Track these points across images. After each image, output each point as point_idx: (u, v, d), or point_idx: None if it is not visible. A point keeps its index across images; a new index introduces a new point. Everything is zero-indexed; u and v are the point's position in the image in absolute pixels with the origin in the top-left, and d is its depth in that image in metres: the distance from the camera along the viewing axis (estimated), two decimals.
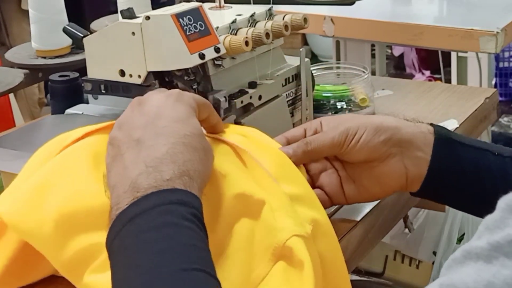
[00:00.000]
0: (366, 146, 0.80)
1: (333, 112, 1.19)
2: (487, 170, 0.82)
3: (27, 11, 1.36)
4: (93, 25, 1.46)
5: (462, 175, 0.82)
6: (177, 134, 0.68)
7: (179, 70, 0.86)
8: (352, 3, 1.42)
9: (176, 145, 0.67)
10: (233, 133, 0.80)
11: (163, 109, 0.70)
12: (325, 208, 0.78)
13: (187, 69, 0.87)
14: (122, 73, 0.89)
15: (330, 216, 0.85)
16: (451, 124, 1.19)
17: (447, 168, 0.82)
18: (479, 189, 0.82)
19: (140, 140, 0.68)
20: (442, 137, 0.82)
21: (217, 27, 0.91)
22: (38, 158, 0.81)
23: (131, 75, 0.89)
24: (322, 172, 0.84)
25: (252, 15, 0.98)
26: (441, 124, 1.20)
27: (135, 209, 0.62)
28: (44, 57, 1.33)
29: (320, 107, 1.19)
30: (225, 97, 0.88)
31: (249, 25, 0.97)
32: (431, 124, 0.84)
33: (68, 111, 1.04)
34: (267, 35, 0.91)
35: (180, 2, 1.01)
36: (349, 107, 1.20)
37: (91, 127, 0.82)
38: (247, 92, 0.95)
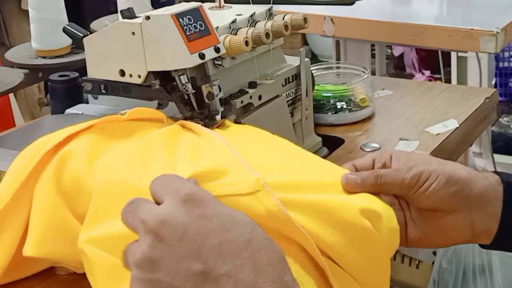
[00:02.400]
0: (435, 195, 0.77)
1: (333, 112, 1.19)
2: None
3: (27, 11, 1.36)
4: (93, 25, 1.46)
5: None
6: (242, 243, 0.59)
7: (179, 70, 0.86)
8: (352, 3, 1.42)
9: (254, 258, 0.59)
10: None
11: (196, 224, 0.60)
12: None
13: (187, 69, 0.87)
14: (122, 73, 0.89)
15: None
16: (451, 124, 1.19)
17: None
18: None
19: (206, 272, 0.58)
20: (510, 186, 0.79)
21: (217, 27, 0.91)
22: (20, 164, 0.81)
23: (131, 75, 0.88)
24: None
25: (252, 15, 0.98)
26: (441, 124, 1.21)
27: None
28: (44, 57, 1.33)
29: (320, 107, 1.20)
30: (218, 86, 0.87)
31: (249, 25, 0.97)
32: (496, 172, 0.81)
33: (68, 111, 1.04)
34: (267, 35, 0.91)
35: (180, 2, 1.01)
36: (349, 107, 1.20)
37: (71, 129, 0.82)
38: (247, 92, 0.95)
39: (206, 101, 0.87)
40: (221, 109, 0.88)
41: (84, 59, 0.93)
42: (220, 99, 0.88)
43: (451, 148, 1.16)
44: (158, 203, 0.61)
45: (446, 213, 0.78)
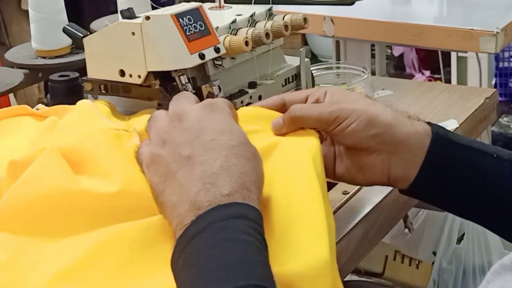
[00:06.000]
0: (354, 135, 0.79)
1: None
2: (483, 173, 0.80)
3: (27, 11, 1.36)
4: (93, 25, 1.46)
5: (456, 178, 0.80)
6: (227, 146, 0.67)
7: (179, 70, 0.86)
8: (352, 3, 1.42)
9: (228, 158, 0.66)
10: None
11: (204, 122, 0.70)
12: None
13: (187, 69, 0.87)
14: (122, 73, 0.89)
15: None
16: (451, 124, 1.19)
17: (440, 171, 0.80)
18: (474, 193, 0.80)
19: (190, 157, 0.67)
20: (439, 138, 0.80)
21: (217, 27, 0.91)
22: None
23: (131, 75, 0.89)
24: (321, 141, 0.82)
25: (252, 15, 0.98)
26: (441, 124, 1.20)
27: (196, 227, 0.62)
28: (44, 57, 1.33)
29: None
30: (218, 86, 0.88)
31: (249, 25, 0.97)
32: (429, 123, 0.82)
33: None
34: (267, 35, 0.91)
35: (180, 2, 1.01)
36: None
37: None
38: (247, 92, 0.95)
39: None
40: None
41: (84, 59, 0.93)
42: None
43: None
44: None
45: (366, 154, 0.80)
